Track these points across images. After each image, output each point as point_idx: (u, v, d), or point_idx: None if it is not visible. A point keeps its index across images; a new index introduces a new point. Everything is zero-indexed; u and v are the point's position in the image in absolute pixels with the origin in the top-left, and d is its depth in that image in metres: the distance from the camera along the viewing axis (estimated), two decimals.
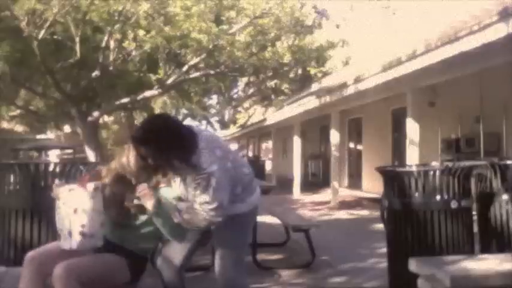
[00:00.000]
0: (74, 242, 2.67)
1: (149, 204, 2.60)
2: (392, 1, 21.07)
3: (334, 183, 11.67)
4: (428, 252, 3.26)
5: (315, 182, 17.39)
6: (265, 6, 10.97)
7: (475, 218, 3.56)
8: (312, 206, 11.26)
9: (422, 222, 3.33)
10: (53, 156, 25.11)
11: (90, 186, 2.71)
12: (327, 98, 11.19)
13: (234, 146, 34.46)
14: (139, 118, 21.95)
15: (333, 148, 11.84)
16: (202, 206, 2.51)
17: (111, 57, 10.78)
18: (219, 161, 2.53)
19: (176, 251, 2.91)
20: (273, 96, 26.94)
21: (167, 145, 2.49)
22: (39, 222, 3.64)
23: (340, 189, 12.18)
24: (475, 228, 3.54)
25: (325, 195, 13.44)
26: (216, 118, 40.58)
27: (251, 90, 29.11)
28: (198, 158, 2.50)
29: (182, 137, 2.53)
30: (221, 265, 2.74)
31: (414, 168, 3.56)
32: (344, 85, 10.02)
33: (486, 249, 3.50)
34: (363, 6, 21.59)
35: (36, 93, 13.16)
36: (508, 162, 3.50)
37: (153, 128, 2.55)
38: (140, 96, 12.46)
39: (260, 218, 5.51)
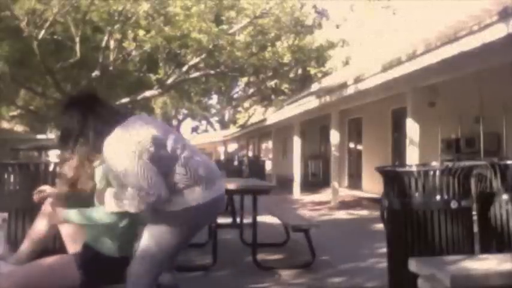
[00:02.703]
0: None
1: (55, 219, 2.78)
2: (392, 1, 21.08)
3: (334, 183, 11.67)
4: (428, 252, 3.26)
5: (315, 182, 17.39)
6: (265, 6, 10.98)
7: (475, 218, 3.56)
8: (312, 206, 11.26)
9: (422, 222, 3.33)
10: (53, 156, 25.09)
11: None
12: (327, 98, 11.19)
13: (233, 146, 34.51)
14: None
15: (333, 148, 11.85)
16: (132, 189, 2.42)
17: (111, 57, 10.79)
18: (131, 145, 2.41)
19: (143, 261, 2.56)
20: (273, 96, 26.95)
21: (82, 115, 2.55)
22: None
23: (340, 189, 12.18)
24: (475, 228, 3.54)
25: (325, 195, 13.44)
26: (216, 118, 40.61)
27: (251, 90, 29.12)
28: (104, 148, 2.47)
29: (94, 109, 2.56)
30: (136, 264, 2.52)
31: (414, 168, 3.56)
32: (344, 85, 10.02)
33: (486, 249, 3.50)
34: (363, 6, 21.57)
35: (36, 93, 13.17)
36: (508, 162, 3.50)
37: (73, 99, 2.72)
38: (140, 96, 12.47)
39: (260, 218, 5.54)
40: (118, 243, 2.80)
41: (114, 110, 2.67)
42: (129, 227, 2.84)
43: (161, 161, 2.44)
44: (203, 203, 2.51)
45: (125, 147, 2.40)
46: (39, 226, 3.00)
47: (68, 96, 2.86)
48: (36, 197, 3.04)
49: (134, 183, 2.38)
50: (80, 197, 2.93)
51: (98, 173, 2.84)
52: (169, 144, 2.52)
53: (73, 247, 2.89)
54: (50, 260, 2.79)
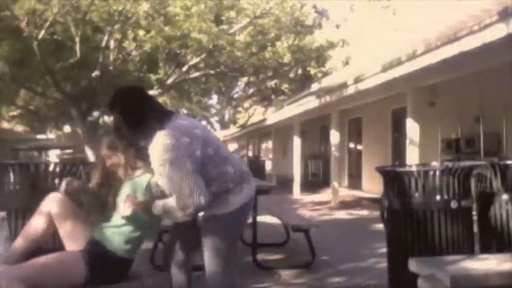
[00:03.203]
0: None
1: (127, 211, 2.69)
2: (392, 1, 21.08)
3: (334, 183, 11.67)
4: (428, 252, 3.26)
5: (315, 182, 17.40)
6: (265, 6, 10.98)
7: (475, 218, 3.56)
8: (312, 206, 11.26)
9: (422, 222, 3.33)
10: (53, 156, 25.12)
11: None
12: (327, 98, 11.19)
13: (233, 146, 34.51)
14: None
15: (333, 148, 11.85)
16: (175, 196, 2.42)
17: (111, 57, 10.78)
18: (176, 146, 2.38)
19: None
20: (273, 96, 26.93)
21: (127, 114, 2.50)
22: None
23: (340, 189, 12.18)
24: (475, 228, 3.54)
25: (325, 195, 13.44)
26: (216, 118, 40.58)
27: (251, 90, 29.11)
28: (153, 147, 2.43)
29: (140, 109, 2.49)
30: (209, 269, 2.62)
31: (414, 168, 3.56)
32: (344, 85, 10.02)
33: (486, 249, 3.50)
34: (363, 6, 21.55)
35: (36, 93, 13.16)
36: (508, 162, 3.50)
37: (119, 95, 2.61)
38: None
39: (260, 218, 5.53)
40: (129, 245, 2.85)
41: (163, 106, 2.67)
42: (143, 233, 2.90)
43: (210, 161, 2.46)
44: (250, 199, 2.62)
45: (174, 151, 2.37)
46: (36, 224, 2.98)
47: (119, 89, 2.70)
48: (65, 188, 3.00)
49: (175, 191, 2.39)
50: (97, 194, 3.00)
51: (136, 183, 2.86)
52: (213, 143, 2.54)
53: (72, 247, 2.89)
54: (56, 255, 2.80)
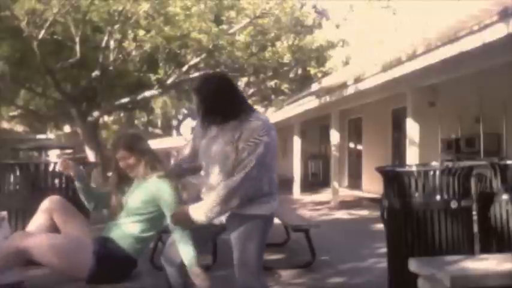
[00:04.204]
0: None
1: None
2: (392, 1, 21.07)
3: (334, 183, 11.67)
4: (428, 252, 3.26)
5: (315, 182, 17.40)
6: (265, 6, 10.96)
7: (475, 218, 3.56)
8: (312, 206, 11.26)
9: (422, 222, 3.33)
10: (53, 156, 25.12)
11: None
12: (327, 98, 11.19)
13: None
14: (139, 118, 21.85)
15: (333, 148, 11.85)
16: (240, 167, 2.48)
17: (111, 57, 10.77)
18: (272, 139, 2.55)
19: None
20: (273, 96, 26.90)
21: (215, 97, 2.57)
22: None
23: (340, 189, 12.18)
24: (475, 228, 3.54)
25: (325, 195, 13.44)
26: None
27: (251, 90, 29.08)
28: (258, 124, 2.55)
29: (229, 95, 2.61)
30: (240, 271, 2.66)
31: (414, 168, 3.56)
32: (344, 85, 10.02)
33: (486, 249, 3.50)
34: (363, 6, 21.56)
35: (36, 93, 13.16)
36: (508, 162, 3.50)
37: (209, 77, 2.79)
38: (140, 96, 12.46)
39: None
40: (138, 245, 2.86)
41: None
42: (153, 235, 2.94)
43: (269, 165, 2.58)
44: (275, 210, 2.74)
45: (270, 137, 2.52)
46: (39, 221, 2.98)
47: (209, 73, 2.90)
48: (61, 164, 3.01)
49: (247, 170, 2.46)
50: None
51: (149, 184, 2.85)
52: (276, 150, 2.67)
53: None
54: (69, 236, 2.84)
